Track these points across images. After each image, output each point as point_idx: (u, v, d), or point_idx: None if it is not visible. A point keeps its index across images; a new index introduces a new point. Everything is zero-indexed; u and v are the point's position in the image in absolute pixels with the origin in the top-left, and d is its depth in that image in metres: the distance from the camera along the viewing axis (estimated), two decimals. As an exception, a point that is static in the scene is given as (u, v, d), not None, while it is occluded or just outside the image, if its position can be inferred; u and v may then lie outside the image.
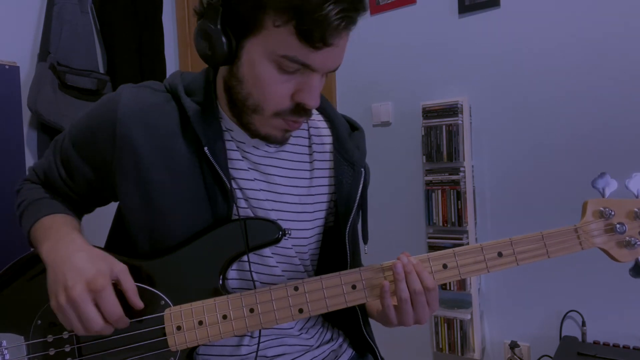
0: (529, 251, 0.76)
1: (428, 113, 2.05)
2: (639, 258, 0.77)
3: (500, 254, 0.77)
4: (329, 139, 0.91)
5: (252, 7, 0.68)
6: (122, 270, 0.73)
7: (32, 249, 0.84)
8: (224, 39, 0.70)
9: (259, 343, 0.82)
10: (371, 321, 0.95)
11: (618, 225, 0.76)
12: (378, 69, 2.27)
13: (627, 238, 0.76)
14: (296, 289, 0.76)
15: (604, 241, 0.77)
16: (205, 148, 0.77)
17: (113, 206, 0.92)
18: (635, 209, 0.76)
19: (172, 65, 2.60)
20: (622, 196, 0.78)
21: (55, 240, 0.77)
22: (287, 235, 0.80)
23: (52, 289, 0.71)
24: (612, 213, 0.76)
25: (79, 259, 0.72)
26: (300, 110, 0.75)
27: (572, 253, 0.77)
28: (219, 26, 0.70)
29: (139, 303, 0.73)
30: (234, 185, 0.81)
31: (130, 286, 0.73)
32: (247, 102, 0.75)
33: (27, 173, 0.97)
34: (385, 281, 0.76)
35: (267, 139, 0.79)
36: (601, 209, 0.77)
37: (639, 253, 0.76)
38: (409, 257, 0.77)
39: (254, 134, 0.79)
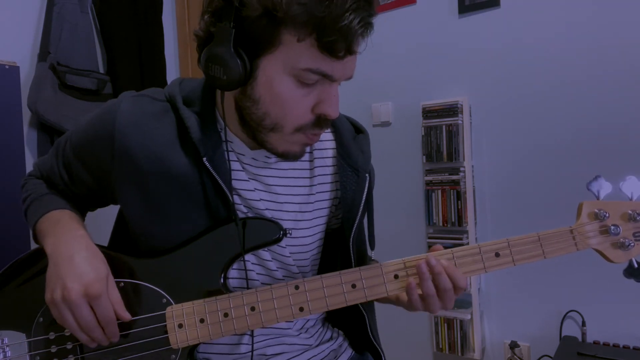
0: (525, 252, 0.78)
1: (428, 113, 2.05)
2: (633, 259, 0.78)
3: (497, 255, 0.78)
4: (332, 144, 0.91)
5: (269, 25, 0.66)
6: (112, 282, 0.76)
7: (33, 246, 0.85)
8: (239, 62, 0.68)
9: (252, 343, 0.82)
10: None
11: (612, 227, 0.77)
12: (378, 69, 2.27)
13: (621, 239, 0.78)
14: (297, 287, 0.76)
15: (599, 242, 0.78)
16: (204, 159, 0.76)
17: (116, 206, 0.92)
18: (629, 211, 0.78)
19: (172, 65, 2.60)
20: (617, 198, 0.79)
21: (61, 236, 0.79)
22: (289, 234, 0.80)
23: (50, 283, 0.73)
24: (607, 215, 0.78)
25: (81, 260, 0.74)
26: (321, 123, 0.75)
27: (568, 254, 0.78)
28: (231, 49, 0.68)
29: (125, 315, 0.75)
30: (235, 194, 0.81)
31: (116, 299, 0.75)
32: (263, 122, 0.73)
33: (32, 168, 0.98)
34: (411, 279, 0.76)
35: (285, 156, 0.79)
36: (596, 210, 0.78)
37: (632, 254, 0.78)
38: (437, 259, 0.76)
39: (269, 151, 0.78)
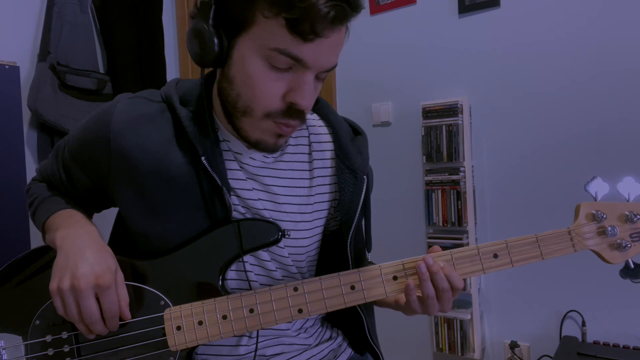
0: (523, 253, 0.78)
1: (428, 113, 2.05)
2: (629, 260, 0.79)
3: (496, 256, 0.78)
4: (330, 146, 0.90)
5: (244, 3, 0.67)
6: (120, 278, 0.75)
7: (33, 246, 0.84)
8: (215, 39, 0.69)
9: (257, 342, 0.82)
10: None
11: (609, 228, 0.78)
12: (378, 69, 2.27)
13: (618, 240, 0.78)
14: (296, 289, 0.76)
15: (596, 243, 0.79)
16: (203, 158, 0.76)
17: (115, 208, 0.93)
18: (626, 212, 0.78)
19: (172, 65, 2.59)
20: (616, 199, 0.79)
21: (73, 229, 0.79)
22: (287, 236, 0.80)
23: (58, 271, 0.72)
24: (604, 216, 0.78)
25: (92, 252, 0.74)
26: (292, 112, 0.73)
27: (566, 255, 0.79)
28: (211, 24, 0.69)
29: (127, 314, 0.74)
30: (232, 195, 0.81)
31: (123, 296, 0.74)
32: (237, 104, 0.74)
33: (32, 169, 0.98)
34: (410, 280, 0.77)
35: (258, 146, 0.78)
36: (593, 212, 0.79)
37: (629, 255, 0.78)
38: (434, 259, 0.77)
39: (245, 140, 0.78)
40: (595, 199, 0.79)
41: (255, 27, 0.68)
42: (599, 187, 0.79)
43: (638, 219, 0.77)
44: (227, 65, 0.72)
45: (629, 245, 0.77)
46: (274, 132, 0.76)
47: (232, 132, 0.81)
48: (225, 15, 0.70)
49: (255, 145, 0.78)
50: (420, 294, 0.77)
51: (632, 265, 0.78)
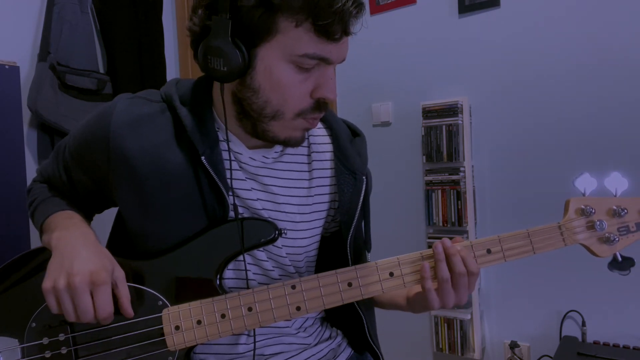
0: (515, 248, 0.80)
1: (428, 113, 2.05)
2: (617, 253, 0.80)
3: (489, 251, 0.79)
4: (329, 147, 0.91)
5: (265, 13, 0.68)
6: (120, 276, 0.75)
7: (33, 246, 0.84)
8: (237, 52, 0.70)
9: (254, 342, 0.82)
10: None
11: (598, 223, 0.79)
12: (378, 69, 2.27)
13: (607, 234, 0.79)
14: (293, 287, 0.76)
15: (586, 237, 0.80)
16: (203, 157, 0.77)
17: (115, 208, 0.93)
18: (614, 207, 0.79)
19: (172, 65, 2.59)
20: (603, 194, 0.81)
21: (70, 230, 0.79)
22: (284, 235, 0.80)
23: (52, 271, 0.71)
24: (593, 211, 0.79)
25: (88, 251, 0.73)
26: (320, 106, 0.76)
27: (557, 249, 0.81)
28: (230, 40, 0.69)
29: (129, 311, 0.74)
30: (231, 194, 0.81)
31: (124, 293, 0.74)
32: (264, 111, 0.74)
33: (33, 170, 0.98)
34: (425, 262, 0.78)
35: (287, 143, 0.79)
36: (582, 207, 0.80)
37: (617, 248, 0.80)
38: (452, 243, 0.78)
39: (271, 140, 0.79)
40: (583, 194, 0.81)
41: (280, 35, 0.69)
42: (587, 183, 0.80)
43: (625, 213, 0.79)
44: (249, 75, 0.73)
45: (617, 238, 0.79)
46: (304, 127, 0.78)
47: (234, 131, 0.81)
48: (242, 28, 0.70)
49: (284, 142, 0.80)
50: (436, 285, 0.78)
51: (620, 258, 0.80)
